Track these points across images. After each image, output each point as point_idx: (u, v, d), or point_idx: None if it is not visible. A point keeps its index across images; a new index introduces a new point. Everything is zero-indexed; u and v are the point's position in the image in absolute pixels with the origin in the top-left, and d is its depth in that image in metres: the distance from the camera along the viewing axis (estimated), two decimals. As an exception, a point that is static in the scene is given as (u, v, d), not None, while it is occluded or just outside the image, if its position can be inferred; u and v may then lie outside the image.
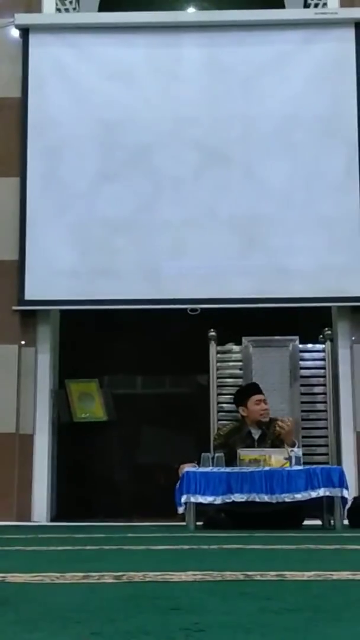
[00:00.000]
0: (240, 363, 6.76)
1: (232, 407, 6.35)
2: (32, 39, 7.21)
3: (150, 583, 2.19)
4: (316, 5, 7.56)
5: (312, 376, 6.76)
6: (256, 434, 5.79)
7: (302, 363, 6.75)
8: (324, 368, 6.73)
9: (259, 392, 5.93)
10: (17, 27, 7.23)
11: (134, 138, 7.07)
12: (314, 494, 5.20)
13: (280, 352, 6.75)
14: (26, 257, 6.94)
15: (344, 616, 1.65)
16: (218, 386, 6.69)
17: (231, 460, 5.41)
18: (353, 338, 6.89)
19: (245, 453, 5.43)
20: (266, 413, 5.83)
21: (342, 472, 5.35)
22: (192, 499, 5.21)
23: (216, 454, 5.42)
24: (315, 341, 6.83)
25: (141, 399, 8.89)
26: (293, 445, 5.63)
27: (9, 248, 7.00)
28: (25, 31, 7.23)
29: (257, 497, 5.19)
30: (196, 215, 6.99)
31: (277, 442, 5.68)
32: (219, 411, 6.62)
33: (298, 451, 5.44)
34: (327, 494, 5.22)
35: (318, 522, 5.55)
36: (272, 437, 5.74)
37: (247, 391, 6.01)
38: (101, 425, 7.73)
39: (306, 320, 7.02)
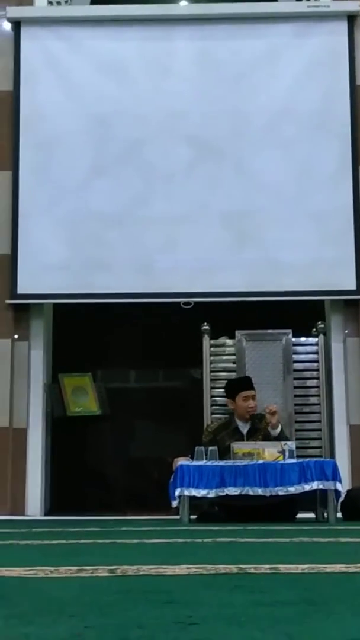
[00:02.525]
0: (233, 357, 6.76)
1: (225, 400, 6.35)
2: (24, 32, 7.19)
3: (144, 576, 2.19)
4: (308, -2, 7.55)
5: (306, 370, 6.76)
6: (244, 427, 5.79)
7: (295, 357, 6.76)
8: (317, 362, 6.74)
9: (249, 387, 5.92)
10: (9, 20, 7.21)
11: (126, 132, 7.06)
12: (307, 487, 5.22)
13: (273, 346, 6.76)
14: (18, 250, 6.93)
15: (337, 609, 1.65)
16: (211, 380, 6.69)
17: (221, 456, 5.41)
18: (346, 331, 6.90)
19: (238, 446, 5.43)
20: (253, 410, 5.84)
21: (335, 465, 5.36)
22: (186, 493, 5.22)
23: (210, 448, 5.43)
24: (308, 335, 6.83)
25: (135, 392, 8.89)
26: (275, 427, 5.64)
27: (1, 242, 6.99)
28: (17, 24, 7.21)
29: (250, 491, 5.20)
30: (189, 209, 6.98)
31: (270, 437, 5.68)
32: (212, 404, 6.62)
33: (292, 444, 5.45)
34: (321, 487, 5.23)
35: (311, 515, 5.56)
36: (264, 431, 5.74)
37: (238, 385, 6.01)
38: (95, 419, 7.73)
39: (299, 313, 7.03)
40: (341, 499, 5.42)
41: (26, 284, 6.90)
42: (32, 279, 6.92)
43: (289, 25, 7.17)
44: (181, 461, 5.39)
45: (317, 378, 6.72)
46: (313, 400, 6.71)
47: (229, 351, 6.81)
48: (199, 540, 3.64)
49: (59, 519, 6.27)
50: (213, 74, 7.14)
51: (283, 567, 2.31)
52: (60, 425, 7.53)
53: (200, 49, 7.19)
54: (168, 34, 7.22)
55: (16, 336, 6.90)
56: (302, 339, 6.83)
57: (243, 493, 5.21)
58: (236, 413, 5.84)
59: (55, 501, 7.31)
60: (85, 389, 7.69)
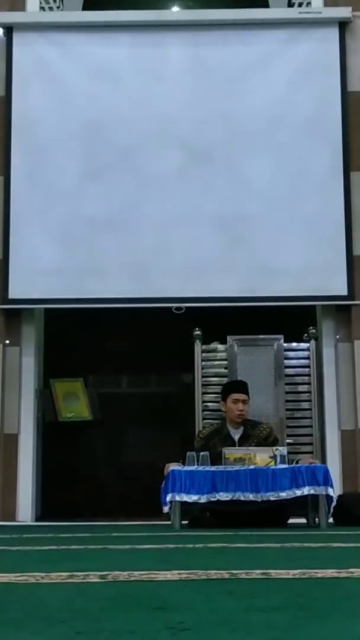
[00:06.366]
0: (225, 362, 6.77)
1: (217, 405, 6.36)
2: (16, 37, 7.19)
3: (136, 582, 2.19)
4: (300, 5, 7.58)
5: (297, 375, 6.78)
6: (236, 434, 5.76)
7: (286, 362, 6.77)
8: (308, 367, 6.76)
9: (241, 391, 5.86)
10: (1, 25, 7.20)
11: (119, 137, 7.06)
12: (298, 493, 5.21)
13: (265, 351, 6.77)
14: (10, 255, 6.92)
15: (328, 614, 1.65)
16: (203, 385, 6.70)
17: (213, 462, 5.40)
18: (337, 337, 6.91)
19: (230, 452, 5.42)
20: (242, 414, 5.77)
21: (326, 470, 5.36)
22: (177, 498, 5.21)
23: (201, 453, 5.42)
24: (299, 340, 6.85)
25: (126, 398, 8.88)
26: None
27: (-7, 247, 6.98)
28: (9, 29, 7.20)
29: (242, 496, 5.19)
30: (181, 215, 6.98)
31: (264, 444, 5.65)
32: (204, 410, 6.63)
33: (283, 449, 5.44)
34: (312, 492, 5.23)
35: (303, 520, 5.56)
36: (258, 439, 5.71)
37: (229, 388, 5.99)
38: (86, 424, 7.72)
39: (291, 319, 7.03)
40: (333, 504, 5.41)
41: (18, 289, 6.89)
42: (23, 284, 6.90)
43: (280, 32, 7.18)
44: (172, 466, 5.38)
45: (309, 383, 6.74)
46: (304, 405, 6.73)
47: (220, 356, 6.82)
48: (191, 545, 3.64)
49: (50, 524, 6.25)
50: (205, 80, 7.15)
51: (274, 573, 2.31)
52: (51, 431, 7.51)
53: (192, 55, 7.20)
54: (160, 39, 7.23)
55: (7, 341, 6.88)
56: (294, 344, 6.84)
57: (234, 498, 5.20)
58: (227, 417, 5.82)
59: (47, 507, 7.29)
60: (76, 394, 7.68)
